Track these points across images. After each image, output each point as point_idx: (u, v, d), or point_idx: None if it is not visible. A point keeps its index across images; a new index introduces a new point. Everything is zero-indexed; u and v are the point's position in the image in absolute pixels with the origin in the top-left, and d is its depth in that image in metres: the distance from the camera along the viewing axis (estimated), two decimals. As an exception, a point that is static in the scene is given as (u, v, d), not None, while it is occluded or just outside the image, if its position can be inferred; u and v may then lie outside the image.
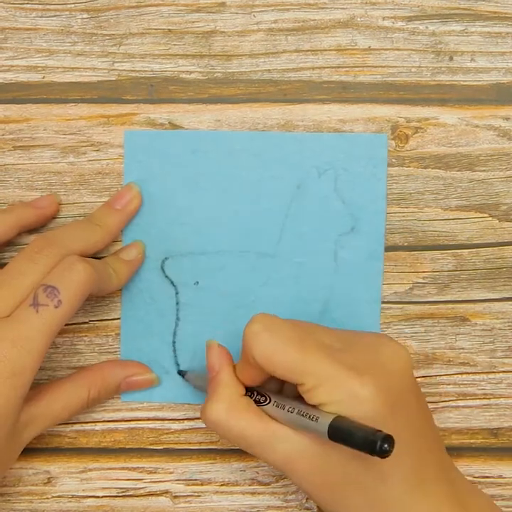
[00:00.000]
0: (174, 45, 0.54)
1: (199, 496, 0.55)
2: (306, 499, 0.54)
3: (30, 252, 0.49)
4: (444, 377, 0.54)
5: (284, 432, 0.47)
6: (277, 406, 0.47)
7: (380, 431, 0.42)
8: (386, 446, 0.41)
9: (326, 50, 0.54)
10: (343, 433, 0.43)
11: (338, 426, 0.43)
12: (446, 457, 0.50)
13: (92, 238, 0.51)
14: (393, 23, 0.54)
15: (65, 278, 0.47)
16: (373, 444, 0.41)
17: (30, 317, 0.47)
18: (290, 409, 0.46)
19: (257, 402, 0.48)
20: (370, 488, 0.46)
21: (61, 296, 0.47)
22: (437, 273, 0.54)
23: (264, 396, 0.48)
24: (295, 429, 0.46)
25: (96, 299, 0.54)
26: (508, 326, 0.54)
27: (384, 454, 0.41)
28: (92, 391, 0.52)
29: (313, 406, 0.45)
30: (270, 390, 0.49)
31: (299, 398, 0.46)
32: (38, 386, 0.50)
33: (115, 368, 0.53)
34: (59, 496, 0.55)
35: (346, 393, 0.45)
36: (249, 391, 0.49)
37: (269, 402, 0.47)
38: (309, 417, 0.45)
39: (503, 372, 0.54)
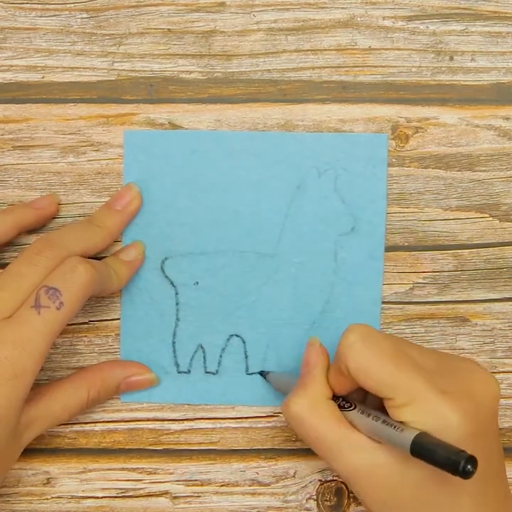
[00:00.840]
0: (174, 44, 0.54)
1: (199, 496, 0.55)
2: (307, 499, 0.54)
3: (30, 254, 0.48)
4: (445, 378, 0.54)
5: (361, 441, 0.46)
6: (362, 413, 0.47)
7: (464, 451, 0.41)
8: (469, 467, 0.41)
9: (326, 49, 0.54)
10: (427, 449, 0.42)
11: (423, 441, 0.43)
12: (507, 488, 0.49)
13: (92, 239, 0.51)
14: (393, 22, 0.54)
15: (66, 280, 0.47)
16: (457, 463, 0.41)
17: (32, 318, 0.47)
18: (375, 418, 0.46)
19: (341, 407, 0.48)
20: (440, 510, 0.46)
21: (63, 297, 0.47)
22: (437, 273, 0.54)
23: (349, 402, 0.48)
24: (373, 441, 0.46)
25: (96, 300, 0.54)
26: (509, 326, 0.54)
27: (467, 475, 0.41)
28: (91, 392, 0.52)
29: (400, 422, 0.45)
30: (353, 400, 0.48)
31: (381, 412, 0.46)
32: (37, 387, 0.50)
33: (114, 369, 0.53)
34: (58, 497, 0.55)
35: (435, 416, 0.44)
36: (334, 396, 0.49)
37: (354, 408, 0.47)
38: (394, 427, 0.44)
39: (504, 372, 0.54)
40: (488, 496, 0.47)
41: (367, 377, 0.46)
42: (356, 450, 0.46)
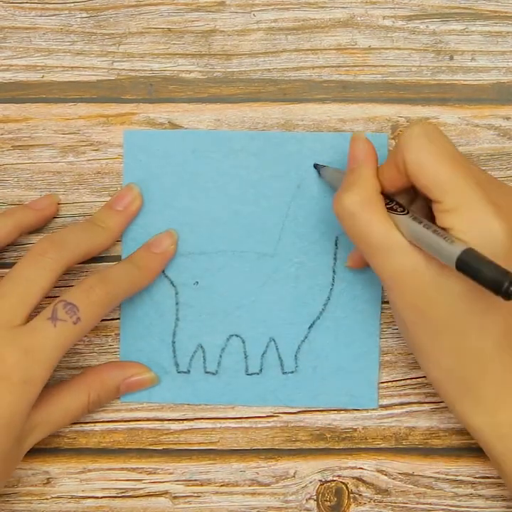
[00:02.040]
0: (174, 44, 0.54)
1: (199, 496, 0.55)
2: (307, 500, 0.54)
3: (35, 255, 0.49)
4: (445, 378, 0.54)
5: (406, 245, 0.46)
6: (414, 219, 0.46)
7: (509, 272, 0.41)
8: None
9: (326, 49, 0.54)
10: (472, 265, 0.41)
11: (469, 257, 0.42)
12: None
13: (95, 239, 0.51)
14: (393, 22, 0.54)
15: (84, 298, 0.48)
16: (501, 283, 0.40)
17: (48, 330, 0.47)
18: (426, 226, 0.45)
19: (393, 210, 0.47)
20: (464, 331, 0.46)
21: (80, 313, 0.48)
22: (437, 273, 0.54)
23: (401, 207, 0.47)
24: (417, 247, 0.45)
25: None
26: (509, 326, 0.54)
27: (509, 296, 0.40)
28: (91, 395, 0.52)
29: (444, 229, 0.44)
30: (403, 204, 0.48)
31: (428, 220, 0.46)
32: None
33: (113, 370, 0.53)
34: (58, 497, 0.54)
35: (483, 226, 0.44)
36: (387, 198, 0.48)
37: (406, 213, 0.46)
38: (445, 237, 0.44)
39: (504, 372, 0.54)
40: None
41: (422, 172, 0.45)
42: (401, 252, 0.46)
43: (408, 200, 0.49)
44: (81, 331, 0.48)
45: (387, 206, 0.47)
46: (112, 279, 0.50)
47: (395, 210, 0.47)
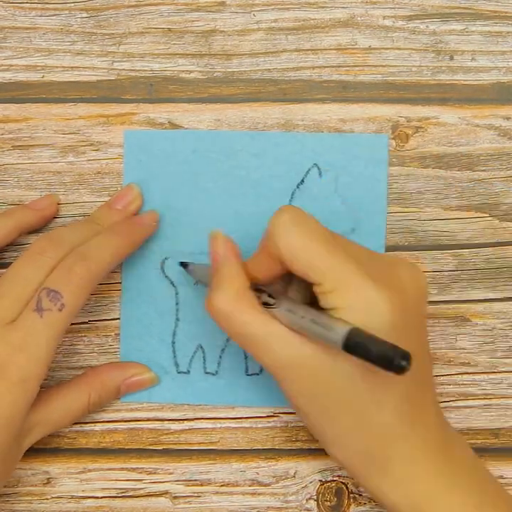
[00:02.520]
0: (174, 44, 0.54)
1: (199, 496, 0.55)
2: (307, 500, 0.54)
3: (33, 254, 0.49)
4: (445, 378, 0.54)
5: (287, 335, 0.45)
6: (289, 311, 0.45)
7: (398, 347, 0.40)
8: (404, 362, 0.40)
9: (326, 49, 0.54)
10: (360, 345, 0.41)
11: (355, 336, 0.41)
12: (436, 399, 0.49)
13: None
14: (393, 22, 0.54)
15: (66, 281, 0.47)
16: (391, 359, 0.40)
17: (36, 322, 0.47)
18: (304, 315, 0.44)
19: (266, 304, 0.46)
20: (363, 409, 0.45)
21: (64, 299, 0.47)
22: (438, 273, 0.54)
23: (273, 298, 0.46)
24: (300, 335, 0.45)
25: (96, 299, 0.54)
26: (509, 326, 0.54)
27: (401, 370, 0.40)
28: (92, 396, 0.52)
29: (326, 310, 0.44)
30: (276, 291, 0.47)
31: (305, 305, 0.45)
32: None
33: (113, 371, 0.53)
34: (58, 497, 0.54)
35: (365, 301, 0.43)
36: (258, 292, 0.47)
37: (279, 306, 0.46)
38: (326, 323, 0.43)
39: (504, 372, 0.54)
40: (417, 401, 0.46)
41: (297, 257, 0.44)
42: (284, 343, 0.45)
43: (284, 284, 0.48)
44: (68, 316, 0.47)
45: (262, 301, 0.46)
46: (92, 255, 0.48)
47: (269, 305, 0.46)
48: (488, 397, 0.54)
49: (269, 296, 0.47)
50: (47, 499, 0.54)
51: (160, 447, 0.55)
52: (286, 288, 0.48)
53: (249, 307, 0.46)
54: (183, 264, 0.52)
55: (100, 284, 0.52)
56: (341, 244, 0.46)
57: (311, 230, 0.45)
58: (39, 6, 0.54)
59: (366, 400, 0.45)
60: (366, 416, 0.46)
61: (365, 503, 0.54)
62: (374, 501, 0.54)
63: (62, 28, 0.54)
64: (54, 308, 0.47)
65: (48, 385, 0.49)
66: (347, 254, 0.45)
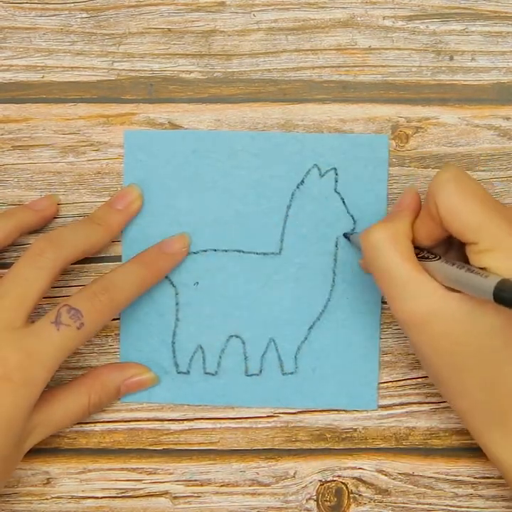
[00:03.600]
0: (174, 44, 0.54)
1: (199, 496, 0.55)
2: (307, 500, 0.54)
3: (32, 255, 0.49)
4: None
5: (435, 284, 0.46)
6: (446, 262, 0.46)
7: None
8: None
9: (326, 49, 0.54)
10: (510, 294, 0.41)
11: (506, 286, 0.42)
12: None
13: (93, 237, 0.51)
14: (393, 22, 0.54)
15: (88, 304, 0.48)
16: None
17: (51, 333, 0.48)
18: (459, 266, 0.45)
19: (424, 259, 0.47)
20: (500, 366, 0.46)
21: (84, 319, 0.48)
22: (438, 273, 0.54)
23: (433, 254, 0.47)
24: (445, 288, 0.45)
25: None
26: (509, 326, 0.54)
27: None
28: (92, 397, 0.52)
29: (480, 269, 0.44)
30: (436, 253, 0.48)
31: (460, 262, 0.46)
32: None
33: (113, 372, 0.53)
34: (58, 497, 0.55)
35: None
36: (418, 249, 0.48)
37: (438, 258, 0.47)
38: (479, 273, 0.44)
39: (504, 372, 0.54)
40: None
41: (455, 217, 0.45)
42: (430, 291, 0.46)
43: (443, 250, 0.49)
44: (85, 337, 0.48)
45: (419, 256, 0.47)
46: (117, 285, 0.50)
47: (427, 258, 0.47)
48: None
49: (428, 251, 0.48)
50: (47, 499, 0.55)
51: (160, 447, 0.55)
52: (446, 253, 0.49)
53: (403, 250, 0.47)
54: (346, 235, 0.53)
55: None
56: (499, 205, 0.46)
57: (471, 190, 0.46)
58: (39, 6, 0.54)
59: (502, 356, 0.46)
60: (500, 372, 0.46)
61: (365, 504, 0.54)
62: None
63: (62, 28, 0.54)
64: (73, 325, 0.48)
65: (49, 386, 0.49)
66: (504, 216, 0.45)
